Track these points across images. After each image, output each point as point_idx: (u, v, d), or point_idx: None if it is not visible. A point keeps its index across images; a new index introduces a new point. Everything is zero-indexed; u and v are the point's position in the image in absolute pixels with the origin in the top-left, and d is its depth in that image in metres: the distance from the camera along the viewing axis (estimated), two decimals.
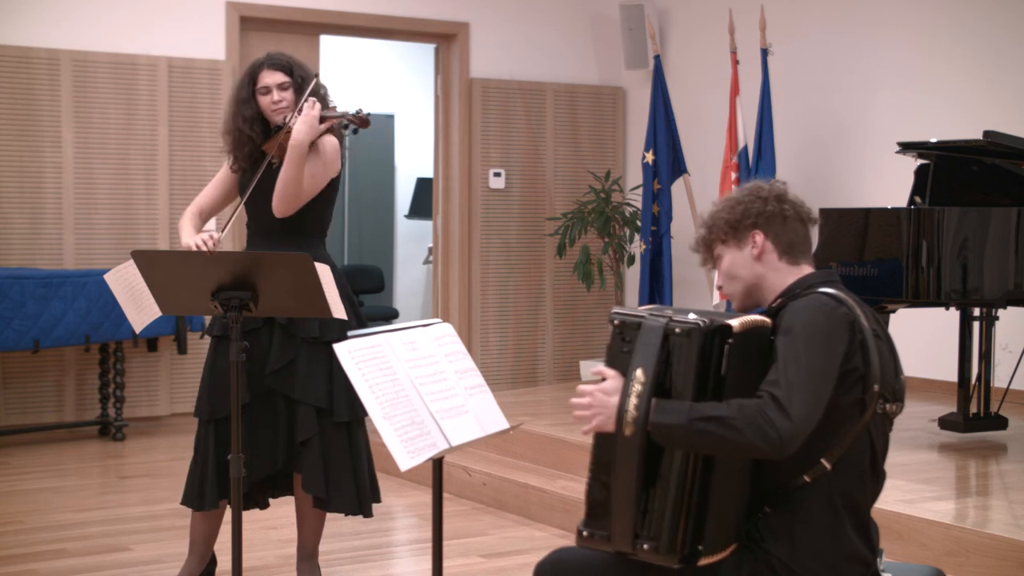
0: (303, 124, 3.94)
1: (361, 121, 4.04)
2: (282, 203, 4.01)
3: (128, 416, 7.30)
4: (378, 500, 4.27)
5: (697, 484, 2.43)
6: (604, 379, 2.50)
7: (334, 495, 4.10)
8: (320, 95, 4.13)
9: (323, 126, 4.01)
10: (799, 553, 2.48)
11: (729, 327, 2.42)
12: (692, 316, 2.44)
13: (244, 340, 3.93)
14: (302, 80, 4.11)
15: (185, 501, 4.13)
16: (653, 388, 2.41)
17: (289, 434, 4.06)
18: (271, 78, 4.10)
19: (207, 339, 4.16)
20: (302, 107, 4.00)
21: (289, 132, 3.99)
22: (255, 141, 4.10)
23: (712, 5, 8.21)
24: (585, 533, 2.53)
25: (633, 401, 2.41)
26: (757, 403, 2.37)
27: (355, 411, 4.09)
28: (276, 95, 4.08)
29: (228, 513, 3.93)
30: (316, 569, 4.23)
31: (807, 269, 2.67)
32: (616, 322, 2.51)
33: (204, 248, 3.87)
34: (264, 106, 4.10)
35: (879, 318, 2.64)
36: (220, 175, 4.25)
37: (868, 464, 2.54)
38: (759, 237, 2.64)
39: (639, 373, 2.42)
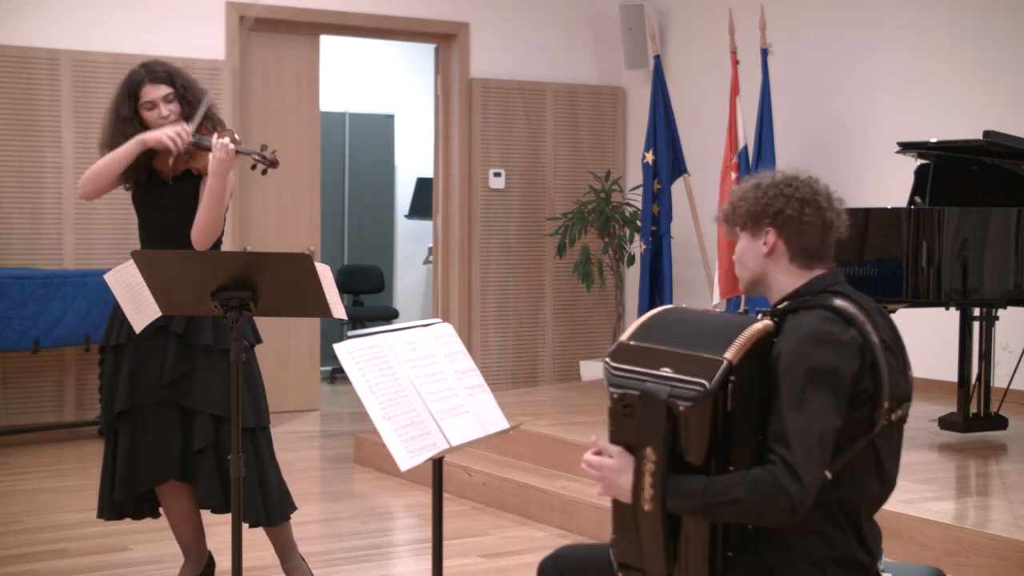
0: (225, 165, 3.88)
1: (271, 163, 3.96)
2: (204, 237, 3.96)
3: None
4: (292, 508, 4.17)
5: (721, 525, 2.45)
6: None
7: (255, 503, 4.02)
8: (215, 116, 4.06)
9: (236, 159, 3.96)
10: (795, 558, 2.47)
11: (729, 366, 2.35)
12: (691, 374, 2.36)
13: (139, 347, 3.96)
14: (184, 89, 4.04)
15: (100, 512, 4.13)
16: (667, 465, 2.38)
17: (184, 445, 3.99)
18: (155, 92, 4.00)
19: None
20: (197, 130, 3.95)
21: (188, 155, 3.94)
22: (140, 161, 4.01)
23: (712, 5, 8.21)
24: (621, 574, 2.53)
25: (648, 480, 2.39)
26: (770, 475, 2.35)
27: (259, 417, 4.04)
28: (164, 109, 4.00)
29: (227, 514, 3.93)
30: (301, 563, 4.19)
31: (819, 273, 2.61)
32: (616, 395, 2.45)
33: (179, 141, 3.87)
34: (151, 122, 4.00)
35: (886, 315, 2.61)
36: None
37: (872, 472, 2.52)
38: (772, 236, 2.60)
39: (649, 452, 2.39)
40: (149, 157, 4.03)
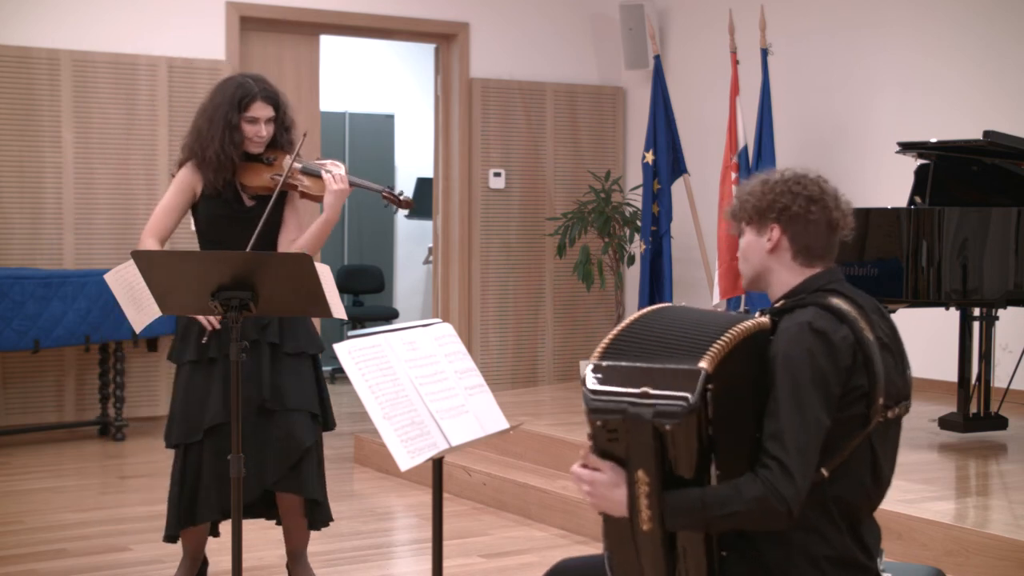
0: (342, 197, 4.01)
1: (404, 204, 4.16)
2: None
3: (128, 416, 7.30)
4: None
5: (716, 536, 2.44)
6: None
7: (324, 502, 4.16)
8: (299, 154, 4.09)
9: None
10: (793, 556, 2.47)
11: (707, 376, 2.30)
12: (672, 388, 2.31)
13: (228, 361, 3.95)
14: (283, 115, 4.07)
15: (171, 531, 4.08)
16: (661, 484, 2.36)
17: (281, 450, 4.01)
18: (264, 111, 4.01)
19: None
20: (299, 163, 4.01)
21: (283, 180, 3.94)
22: (232, 171, 4.02)
23: (712, 5, 8.22)
24: None
25: (644, 502, 2.37)
26: (766, 482, 2.34)
27: (329, 421, 4.21)
28: (263, 129, 4.02)
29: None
30: (308, 569, 4.23)
31: (817, 271, 2.61)
32: (599, 423, 2.39)
33: (215, 325, 3.92)
34: (248, 134, 4.01)
35: (885, 313, 2.60)
36: (175, 201, 4.07)
37: (868, 471, 2.52)
38: (776, 232, 2.60)
39: (641, 474, 2.36)
40: (234, 171, 4.02)
